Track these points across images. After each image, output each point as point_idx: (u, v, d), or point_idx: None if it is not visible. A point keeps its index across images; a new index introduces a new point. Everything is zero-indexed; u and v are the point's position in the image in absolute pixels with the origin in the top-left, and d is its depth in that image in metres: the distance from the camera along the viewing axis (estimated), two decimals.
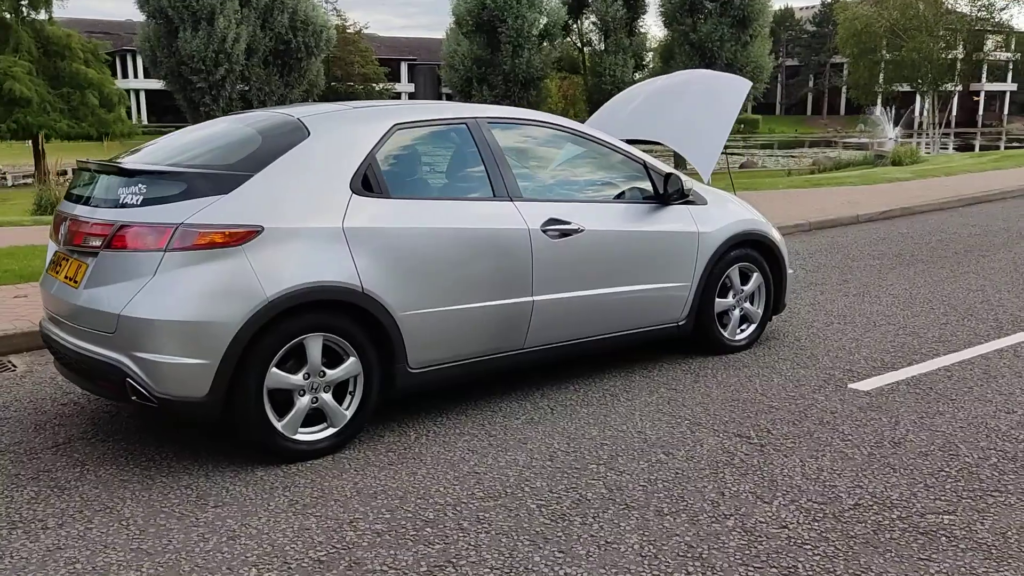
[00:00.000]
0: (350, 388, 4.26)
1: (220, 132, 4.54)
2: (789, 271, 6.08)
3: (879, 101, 56.19)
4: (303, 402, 4.11)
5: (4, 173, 38.43)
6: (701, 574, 3.16)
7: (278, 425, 4.04)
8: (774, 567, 3.20)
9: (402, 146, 4.55)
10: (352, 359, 4.21)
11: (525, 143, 5.12)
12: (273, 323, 3.95)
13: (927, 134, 50.47)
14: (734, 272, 5.68)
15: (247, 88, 42.73)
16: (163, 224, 3.86)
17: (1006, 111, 78.95)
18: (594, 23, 39.83)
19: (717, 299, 5.63)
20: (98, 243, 3.96)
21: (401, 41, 77.50)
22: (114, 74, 50.12)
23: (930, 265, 8.67)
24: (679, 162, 19.78)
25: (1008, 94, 78.01)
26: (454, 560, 3.26)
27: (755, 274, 5.79)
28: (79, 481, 3.94)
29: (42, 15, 34.78)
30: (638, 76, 37.65)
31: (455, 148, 4.79)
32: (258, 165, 4.10)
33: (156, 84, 44.46)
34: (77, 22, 49.07)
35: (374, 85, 56.96)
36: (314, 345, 4.09)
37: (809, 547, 3.33)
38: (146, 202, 3.95)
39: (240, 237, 3.90)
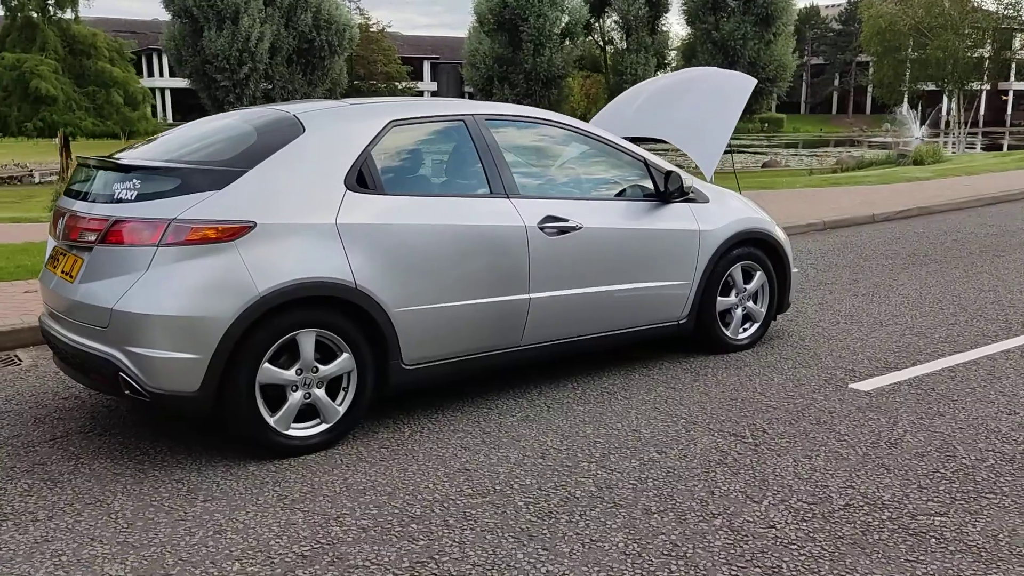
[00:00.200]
0: (344, 384, 4.27)
1: (217, 128, 4.57)
2: (794, 270, 6.03)
3: (905, 100, 55.66)
4: (295, 398, 4.12)
5: (32, 170, 38.96)
6: (684, 573, 3.14)
7: (270, 420, 4.06)
8: (758, 567, 3.17)
9: (398, 143, 4.56)
10: (345, 355, 4.22)
11: (523, 140, 5.11)
12: (265, 318, 3.96)
13: (954, 134, 49.90)
14: (736, 271, 5.64)
15: (270, 87, 42.99)
16: (156, 219, 3.89)
17: None
18: (616, 22, 39.73)
19: (719, 298, 5.59)
20: (93, 238, 4.00)
21: (424, 40, 77.68)
22: (140, 73, 50.63)
23: (943, 265, 8.57)
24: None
25: None
26: (436, 556, 3.26)
27: (758, 273, 5.75)
28: (73, 474, 3.98)
29: (68, 14, 35.25)
30: (660, 75, 37.48)
31: (452, 145, 4.79)
32: (252, 161, 4.12)
33: (181, 83, 44.89)
34: (104, 21, 49.56)
35: (397, 84, 57.11)
36: (307, 341, 4.10)
37: (795, 547, 3.30)
38: (140, 197, 3.98)
39: (232, 232, 3.92)
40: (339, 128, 4.39)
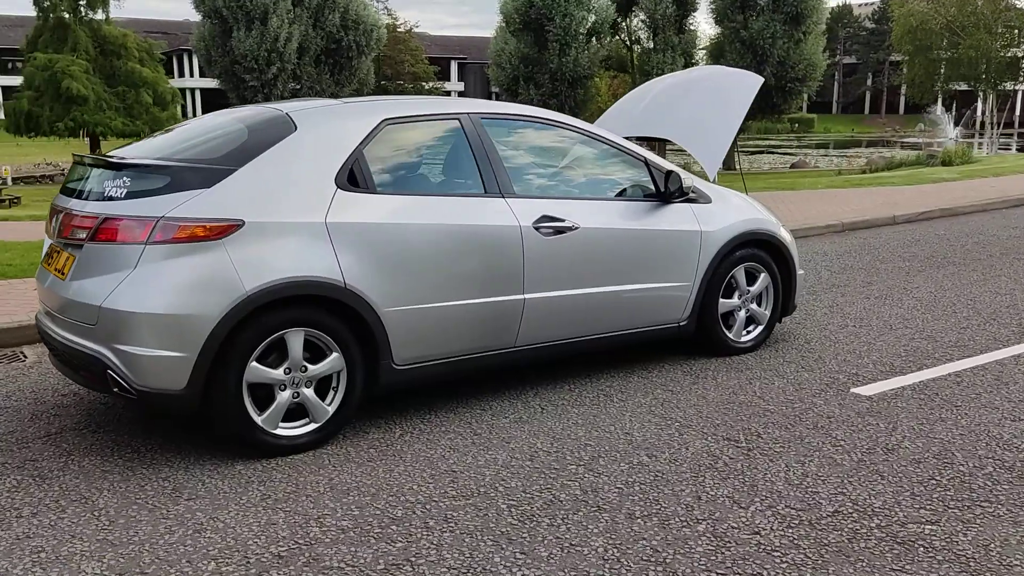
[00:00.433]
0: (333, 384, 4.26)
1: (211, 126, 4.57)
2: (799, 272, 5.94)
3: (939, 100, 54.92)
4: (284, 397, 4.11)
5: (63, 169, 39.46)
6: None
7: (258, 419, 4.06)
8: (738, 573, 3.12)
9: (391, 141, 4.53)
10: (335, 355, 4.20)
11: (520, 140, 5.07)
12: (252, 317, 3.96)
13: (987, 134, 49.12)
14: (739, 272, 5.56)
15: (299, 87, 43.28)
16: (144, 217, 3.89)
17: None
18: (643, 21, 39.48)
19: (721, 299, 5.52)
20: (84, 235, 4.01)
21: (452, 40, 77.79)
22: (170, 73, 51.17)
23: (961, 268, 8.41)
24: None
25: None
26: (413, 559, 3.23)
27: (762, 275, 5.66)
28: (62, 471, 4.00)
29: (99, 15, 35.63)
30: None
31: (447, 144, 4.76)
32: (242, 159, 4.12)
33: (211, 83, 45.24)
34: (135, 22, 50.15)
35: (424, 84, 57.25)
36: (295, 340, 4.09)
37: (778, 554, 3.24)
38: (130, 195, 3.99)
39: (220, 231, 3.92)
40: (331, 126, 4.38)
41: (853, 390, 4.96)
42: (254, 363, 4.01)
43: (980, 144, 40.43)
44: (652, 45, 38.23)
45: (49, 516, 3.56)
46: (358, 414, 4.53)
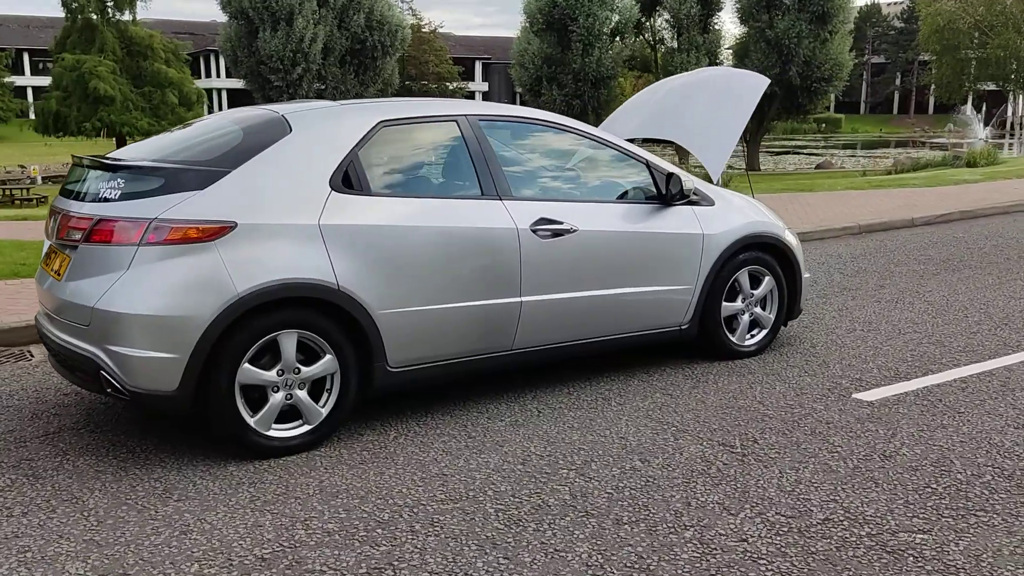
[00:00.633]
0: (327, 386, 4.26)
1: (208, 128, 4.59)
2: (805, 275, 5.87)
3: (969, 100, 54.24)
4: (276, 399, 4.12)
5: None
6: None
7: (250, 421, 4.07)
8: None
9: (388, 143, 4.53)
10: (328, 357, 4.21)
11: (520, 142, 5.06)
12: (245, 319, 3.97)
13: (1017, 134, 48.45)
14: (743, 275, 5.51)
15: (323, 87, 43.54)
16: (138, 218, 3.92)
17: None
18: (667, 21, 39.30)
19: (724, 303, 5.47)
20: (79, 236, 4.04)
21: (476, 40, 77.87)
22: (197, 74, 51.59)
23: (977, 271, 8.29)
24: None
25: None
26: (395, 563, 3.22)
27: (766, 278, 5.61)
28: (56, 471, 4.03)
29: (126, 16, 36.04)
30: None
31: (443, 146, 4.75)
32: (237, 161, 4.13)
33: (237, 83, 45.66)
34: (163, 23, 50.65)
35: (448, 84, 57.37)
36: (288, 342, 4.10)
37: (764, 562, 3.20)
38: (124, 196, 4.01)
39: (212, 232, 3.94)
40: (326, 128, 4.38)
41: (855, 395, 4.90)
42: (247, 365, 4.02)
43: (1010, 145, 39.88)
44: (676, 45, 38.05)
45: (39, 516, 3.59)
46: (353, 416, 4.53)
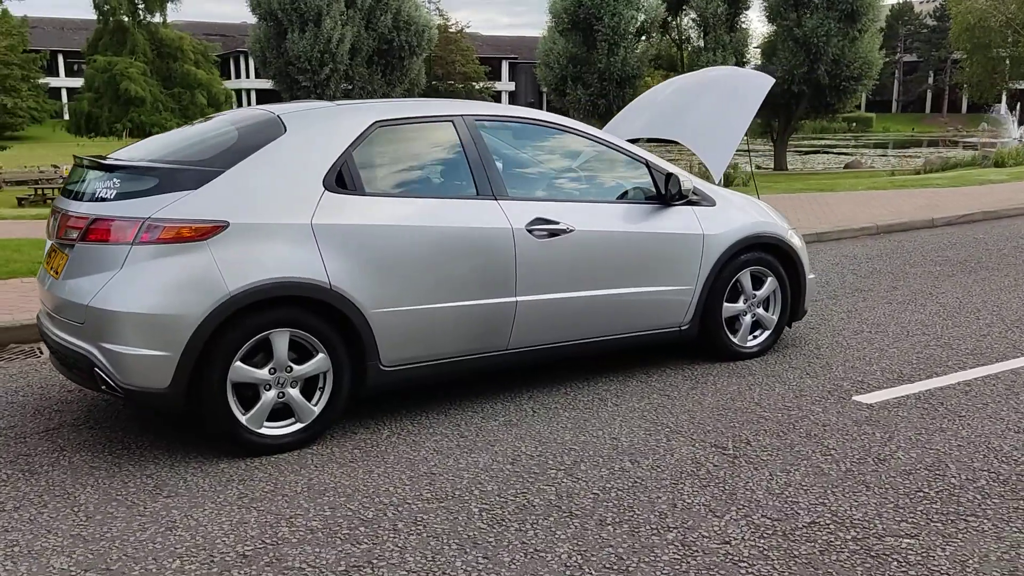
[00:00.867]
0: (320, 384, 4.29)
1: (204, 129, 4.64)
2: (810, 276, 5.81)
3: (1003, 99, 53.39)
4: (268, 396, 4.15)
5: None
6: None
7: (242, 418, 4.10)
8: None
9: (383, 143, 4.55)
10: (321, 355, 4.23)
11: (518, 142, 5.05)
12: (236, 317, 4.00)
13: None
14: (745, 276, 5.46)
15: (350, 87, 43.78)
16: (132, 218, 3.96)
17: None
18: (693, 19, 39.10)
19: (726, 304, 5.43)
20: (75, 235, 4.10)
21: (503, 40, 77.93)
22: (227, 74, 52.12)
23: (993, 272, 8.16)
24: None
25: None
26: (375, 561, 3.23)
27: (769, 279, 5.56)
28: (52, 466, 4.09)
29: (156, 18, 36.49)
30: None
31: (439, 146, 4.75)
32: (230, 161, 4.16)
33: (266, 84, 46.13)
34: (194, 25, 51.20)
35: (474, 84, 57.46)
36: (280, 340, 4.12)
37: (745, 565, 3.18)
38: (119, 196, 4.06)
39: (205, 232, 3.97)
40: (320, 129, 4.41)
41: (855, 398, 4.85)
42: (238, 363, 4.05)
43: None
44: (702, 44, 37.85)
45: (30, 510, 3.64)
46: (347, 415, 4.56)
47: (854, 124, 66.43)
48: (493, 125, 4.88)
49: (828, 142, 54.42)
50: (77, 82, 52.07)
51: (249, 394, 4.14)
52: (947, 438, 4.28)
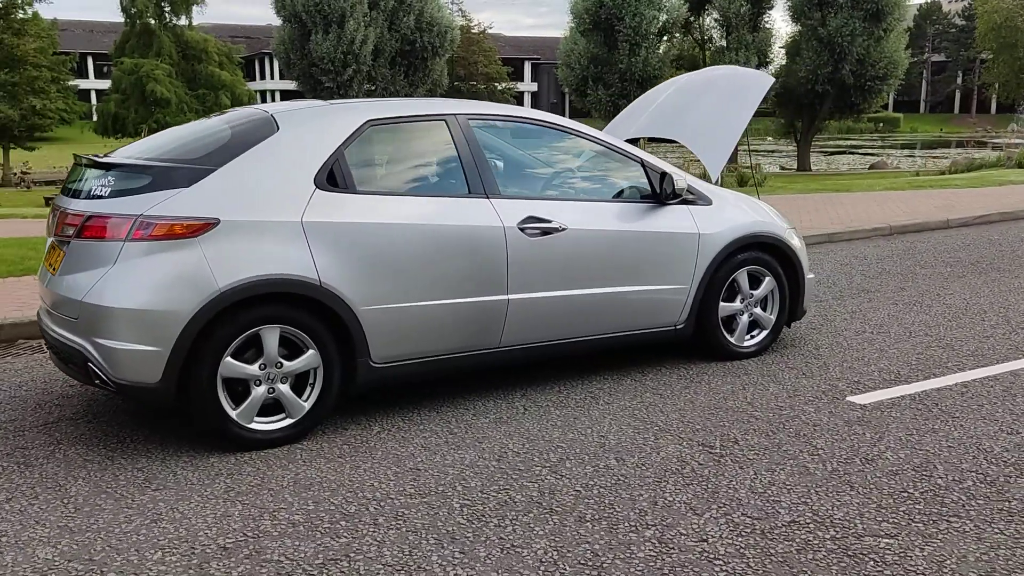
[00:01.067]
0: (310, 380, 4.33)
1: (200, 128, 4.70)
2: (809, 276, 5.79)
3: None
4: (258, 392, 4.20)
5: None
6: None
7: (232, 413, 4.15)
8: None
9: (375, 142, 4.59)
10: (311, 352, 4.27)
11: (512, 141, 5.07)
12: (226, 313, 4.05)
13: None
14: (742, 276, 5.45)
15: (373, 88, 43.94)
16: (125, 215, 4.02)
17: None
18: (716, 19, 38.91)
19: (723, 303, 5.42)
20: (71, 232, 4.17)
21: (525, 40, 77.97)
22: (252, 76, 52.55)
23: (1004, 274, 8.08)
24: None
25: None
26: (352, 554, 3.27)
27: (767, 279, 5.54)
28: (47, 459, 4.16)
29: (182, 21, 36.87)
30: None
31: (432, 145, 4.78)
32: (223, 160, 4.22)
33: (290, 85, 46.50)
34: (220, 27, 51.67)
35: (496, 84, 57.55)
36: (270, 337, 4.17)
37: (720, 563, 3.18)
38: (114, 194, 4.13)
39: (196, 229, 4.03)
40: (313, 127, 4.45)
41: (849, 398, 4.83)
42: (228, 358, 4.10)
43: None
44: (725, 44, 37.67)
45: (22, 502, 3.71)
46: (340, 411, 4.60)
47: (881, 124, 65.85)
48: (487, 124, 4.91)
49: (854, 142, 53.97)
50: (106, 84, 52.67)
51: (240, 389, 4.19)
52: (938, 439, 4.25)
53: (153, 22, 36.81)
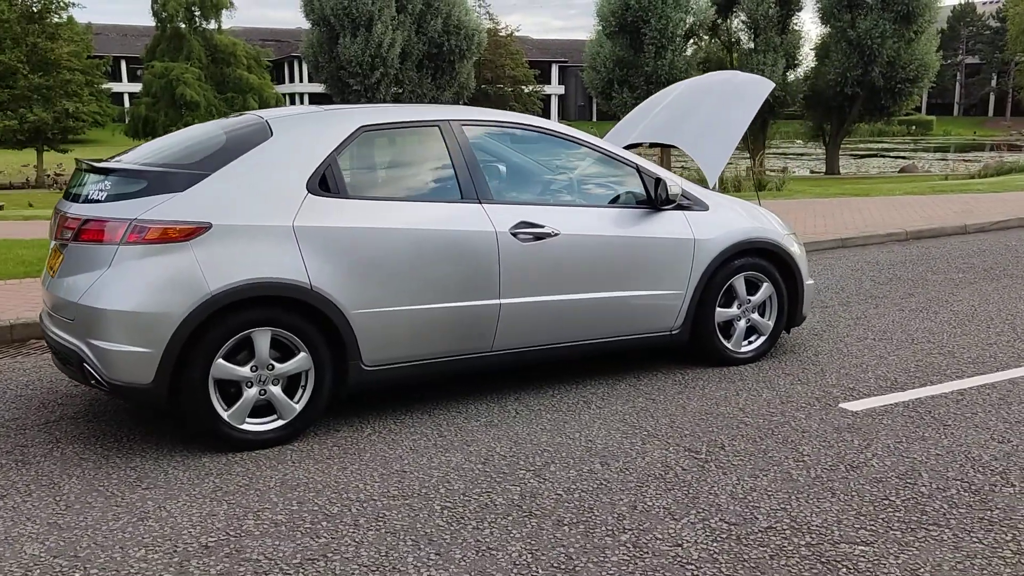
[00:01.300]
0: (302, 382, 4.40)
1: (195, 134, 4.79)
2: (808, 282, 5.77)
3: None
4: (250, 394, 4.27)
5: None
6: None
7: (224, 414, 4.22)
8: None
9: (368, 147, 4.66)
10: (303, 354, 4.34)
11: (506, 147, 5.11)
12: (218, 316, 4.13)
13: None
14: (739, 281, 5.45)
15: (400, 91, 44.20)
16: (120, 219, 4.12)
17: None
18: (744, 21, 38.68)
19: (719, 309, 5.42)
20: (69, 235, 4.27)
21: (553, 43, 78.02)
22: (281, 79, 53.02)
23: (1016, 280, 7.99)
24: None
25: None
26: (329, 555, 3.32)
27: (764, 284, 5.54)
28: (45, 457, 4.26)
29: (212, 25, 37.31)
30: (790, 76, 36.34)
31: (425, 150, 4.84)
32: (217, 165, 4.30)
33: (319, 88, 46.82)
34: (250, 31, 52.20)
35: (523, 87, 57.64)
36: (262, 339, 4.24)
37: (692, 567, 3.20)
38: (110, 198, 4.23)
39: (188, 233, 4.11)
40: (305, 133, 4.52)
41: (841, 405, 4.81)
42: (220, 360, 4.18)
43: None
44: (753, 46, 37.44)
45: (15, 499, 3.81)
46: (333, 413, 4.66)
47: (914, 127, 65.16)
48: (482, 130, 4.95)
49: (885, 145, 53.48)
50: (139, 87, 53.41)
51: (232, 391, 4.26)
52: (927, 447, 4.23)
53: (183, 26, 37.31)
